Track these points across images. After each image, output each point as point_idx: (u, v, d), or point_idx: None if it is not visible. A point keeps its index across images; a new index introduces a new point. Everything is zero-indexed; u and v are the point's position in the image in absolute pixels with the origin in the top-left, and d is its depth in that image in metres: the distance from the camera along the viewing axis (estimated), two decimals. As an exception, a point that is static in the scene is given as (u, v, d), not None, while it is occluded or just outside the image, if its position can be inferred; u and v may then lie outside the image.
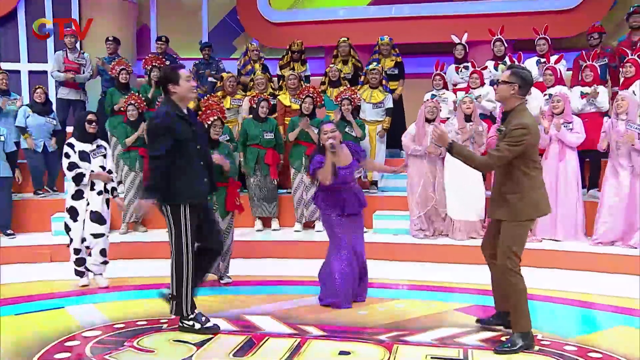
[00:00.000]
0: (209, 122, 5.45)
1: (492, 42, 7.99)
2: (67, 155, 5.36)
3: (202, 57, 8.91)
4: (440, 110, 7.02)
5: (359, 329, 4.32)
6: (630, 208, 6.16)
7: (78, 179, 5.33)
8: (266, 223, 7.44)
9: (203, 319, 4.30)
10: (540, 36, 7.75)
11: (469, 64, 8.08)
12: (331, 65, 8.17)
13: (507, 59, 7.79)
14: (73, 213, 5.39)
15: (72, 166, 5.34)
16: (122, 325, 4.43)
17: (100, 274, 5.54)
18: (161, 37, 8.94)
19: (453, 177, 6.62)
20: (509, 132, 3.73)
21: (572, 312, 4.80)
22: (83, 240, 5.40)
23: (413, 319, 4.58)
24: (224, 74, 7.96)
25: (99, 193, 5.45)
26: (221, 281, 5.57)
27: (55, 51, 9.21)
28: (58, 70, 8.35)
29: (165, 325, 4.41)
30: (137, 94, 7.51)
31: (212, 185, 4.35)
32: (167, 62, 8.44)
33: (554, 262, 6.07)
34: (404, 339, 4.10)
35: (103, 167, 5.48)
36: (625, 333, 4.27)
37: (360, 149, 5.03)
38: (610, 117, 6.49)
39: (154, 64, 8.08)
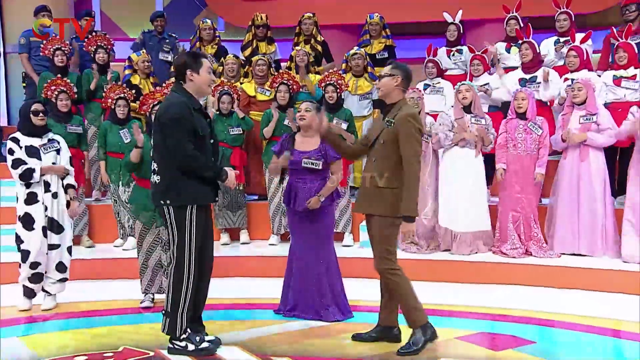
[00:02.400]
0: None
1: (505, 21, 8.01)
2: (11, 152, 5.32)
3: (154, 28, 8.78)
4: (422, 99, 7.01)
5: (342, 361, 4.28)
6: None
7: (26, 175, 5.25)
8: (234, 235, 7.39)
9: (197, 338, 4.37)
10: (562, 10, 7.72)
11: (463, 48, 8.13)
12: (297, 48, 8.00)
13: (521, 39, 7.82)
14: (27, 221, 5.33)
15: (18, 163, 5.27)
16: (55, 362, 4.34)
17: (54, 294, 5.51)
18: (88, 12, 8.80)
19: (447, 183, 6.67)
20: (401, 125, 4.19)
21: (598, 341, 4.77)
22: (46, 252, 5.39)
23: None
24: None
25: (55, 195, 5.40)
26: None
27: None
28: None
29: (110, 361, 4.33)
30: (64, 79, 7.31)
31: (218, 186, 4.52)
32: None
33: (576, 282, 6.06)
34: (397, 373, 4.07)
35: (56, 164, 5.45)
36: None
37: (334, 152, 5.11)
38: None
39: (99, 44, 7.98)
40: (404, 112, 4.24)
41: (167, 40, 8.74)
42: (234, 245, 7.25)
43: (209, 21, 8.64)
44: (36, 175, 5.26)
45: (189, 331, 4.38)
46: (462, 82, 6.76)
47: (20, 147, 5.33)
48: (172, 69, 8.07)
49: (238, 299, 5.84)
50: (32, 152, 5.34)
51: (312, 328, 4.99)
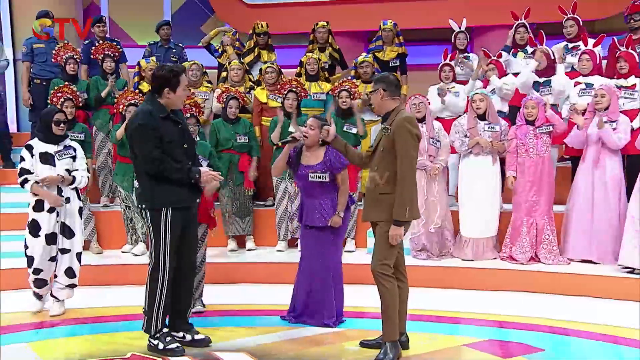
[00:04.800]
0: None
1: (514, 28, 8.03)
2: (21, 160, 5.46)
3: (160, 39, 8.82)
4: (430, 104, 7.03)
5: (349, 369, 4.30)
6: None
7: (22, 185, 5.43)
8: (240, 242, 7.39)
9: (167, 339, 4.57)
10: (569, 16, 7.72)
11: (470, 55, 8.16)
12: (308, 55, 8.05)
13: (528, 46, 7.82)
14: (34, 227, 5.45)
15: (22, 173, 5.41)
16: (63, 368, 4.37)
17: (62, 300, 5.59)
18: (101, 18, 8.86)
19: (467, 190, 6.70)
20: (397, 130, 4.29)
21: (608, 349, 4.75)
22: (53, 258, 5.47)
23: (413, 356, 4.56)
24: (186, 63, 7.95)
25: (67, 200, 5.51)
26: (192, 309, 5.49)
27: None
28: None
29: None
30: (71, 86, 7.33)
31: (199, 188, 4.65)
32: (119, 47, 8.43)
33: (586, 289, 6.03)
34: (404, 381, 4.09)
35: (70, 171, 5.54)
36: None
37: (343, 161, 5.12)
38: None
39: (106, 52, 8.03)
40: (400, 117, 4.36)
41: (174, 50, 8.78)
42: (240, 252, 7.25)
43: (231, 28, 8.69)
44: (27, 186, 5.39)
45: (164, 331, 4.57)
46: (475, 92, 6.78)
47: (33, 155, 5.44)
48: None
49: (244, 306, 5.86)
50: (47, 158, 5.45)
51: (318, 335, 5.01)
